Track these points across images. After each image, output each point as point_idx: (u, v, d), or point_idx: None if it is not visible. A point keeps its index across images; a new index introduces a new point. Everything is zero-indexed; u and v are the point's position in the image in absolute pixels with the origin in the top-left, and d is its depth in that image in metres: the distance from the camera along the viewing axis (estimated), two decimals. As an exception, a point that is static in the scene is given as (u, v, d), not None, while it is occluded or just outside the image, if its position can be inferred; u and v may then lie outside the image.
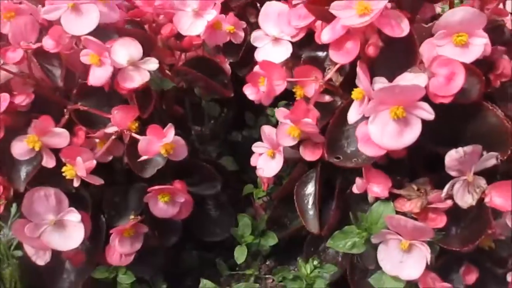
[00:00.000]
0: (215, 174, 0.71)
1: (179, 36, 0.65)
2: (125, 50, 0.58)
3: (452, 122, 0.54)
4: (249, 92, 0.65)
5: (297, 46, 0.65)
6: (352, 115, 0.50)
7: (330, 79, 0.59)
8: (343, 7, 0.49)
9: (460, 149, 0.47)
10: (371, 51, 0.49)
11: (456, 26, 0.51)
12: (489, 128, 0.52)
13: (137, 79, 0.57)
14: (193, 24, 0.64)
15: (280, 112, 0.56)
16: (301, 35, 0.61)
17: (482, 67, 0.58)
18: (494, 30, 0.65)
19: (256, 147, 0.68)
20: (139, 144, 0.55)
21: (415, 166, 0.57)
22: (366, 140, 0.48)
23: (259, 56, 0.66)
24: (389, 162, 0.57)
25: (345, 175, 0.61)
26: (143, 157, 0.57)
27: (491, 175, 0.55)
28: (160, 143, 0.55)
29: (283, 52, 0.65)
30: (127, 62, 0.57)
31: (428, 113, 0.45)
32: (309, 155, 0.61)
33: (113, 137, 0.58)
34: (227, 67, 0.86)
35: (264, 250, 0.78)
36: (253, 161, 0.69)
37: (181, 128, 0.82)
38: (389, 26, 0.48)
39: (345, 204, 0.62)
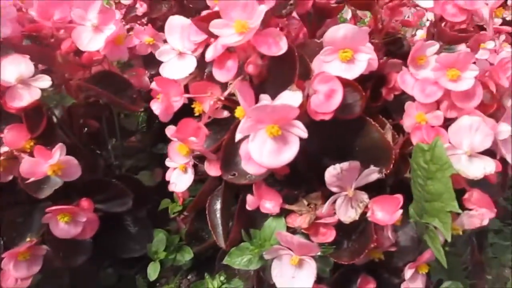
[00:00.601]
0: (125, 191, 0.70)
1: (79, 52, 0.63)
2: (14, 67, 0.56)
3: (342, 136, 0.55)
4: (155, 107, 0.64)
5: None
6: (238, 133, 0.50)
7: (233, 94, 0.59)
8: (222, 25, 0.49)
9: (337, 165, 0.48)
10: (250, 69, 0.49)
11: (340, 43, 0.52)
12: (373, 143, 0.52)
13: (26, 98, 0.55)
14: (92, 39, 0.63)
15: (169, 130, 0.55)
16: (200, 50, 0.61)
17: (375, 81, 0.59)
18: (394, 42, 0.67)
19: (169, 161, 0.67)
20: (21, 166, 0.53)
21: (312, 180, 0.58)
22: (248, 159, 0.48)
23: (164, 71, 0.65)
24: (287, 177, 0.58)
25: (246, 190, 0.61)
26: (31, 179, 0.55)
27: (380, 188, 0.56)
28: (47, 164, 0.54)
29: (188, 66, 0.64)
30: (15, 80, 0.56)
31: (302, 132, 0.45)
32: (213, 170, 0.60)
33: (2, 157, 0.56)
34: (145, 80, 0.85)
35: (184, 264, 0.77)
36: (168, 175, 0.69)
37: (97, 143, 0.81)
38: (266, 45, 0.48)
39: (250, 219, 0.62)
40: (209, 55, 0.51)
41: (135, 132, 0.84)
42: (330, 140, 0.55)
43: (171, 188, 0.69)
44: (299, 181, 0.58)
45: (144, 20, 0.97)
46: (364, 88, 0.56)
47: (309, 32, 0.64)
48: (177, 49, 0.65)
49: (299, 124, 0.45)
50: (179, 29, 0.65)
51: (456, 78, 0.51)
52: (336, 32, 0.51)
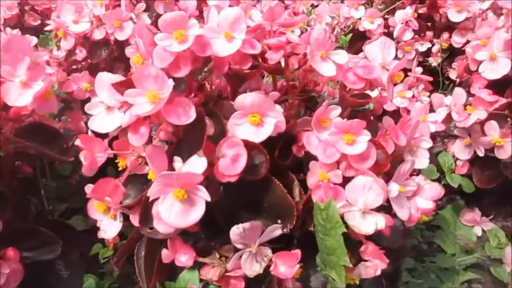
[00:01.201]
0: (54, 238, 0.72)
1: (7, 106, 0.66)
2: None
3: (253, 193, 0.59)
4: (83, 158, 0.67)
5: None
6: (149, 194, 0.54)
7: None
8: (136, 94, 0.53)
9: (240, 225, 0.52)
10: (161, 136, 0.53)
11: (249, 108, 0.57)
12: (278, 201, 0.57)
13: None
14: (21, 95, 0.65)
15: (88, 188, 0.58)
16: (125, 107, 0.64)
17: (285, 140, 0.64)
18: (309, 100, 0.73)
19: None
20: None
21: (227, 232, 0.62)
22: (159, 219, 0.52)
23: (93, 124, 0.68)
24: (204, 229, 0.62)
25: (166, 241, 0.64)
26: None
27: (289, 240, 0.61)
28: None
29: (116, 121, 0.67)
30: None
31: (206, 196, 0.50)
32: (136, 221, 0.64)
33: None
34: (82, 125, 0.87)
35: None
36: (99, 222, 0.71)
37: (29, 189, 0.82)
38: (175, 114, 0.52)
39: (171, 268, 0.65)
40: (125, 121, 0.55)
41: (69, 177, 0.86)
42: (243, 196, 0.59)
43: (100, 235, 0.71)
44: (215, 233, 0.62)
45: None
46: (274, 147, 0.62)
47: (231, 90, 0.68)
48: (106, 104, 0.68)
49: (203, 189, 0.50)
50: (107, 85, 0.69)
51: (351, 142, 0.57)
52: (244, 99, 0.57)
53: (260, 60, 0.63)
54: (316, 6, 1.58)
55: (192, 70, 0.58)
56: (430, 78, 1.06)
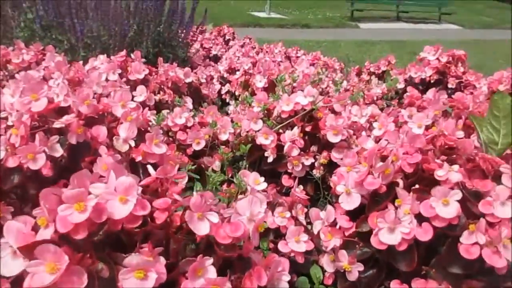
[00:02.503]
0: None
1: None
2: None
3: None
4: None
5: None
6: None
7: None
8: (36, 264, 0.65)
9: None
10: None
11: (135, 266, 0.71)
12: None
13: None
14: None
15: None
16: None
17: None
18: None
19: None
20: None
21: None
22: None
23: (-2, 265, 0.77)
24: None
25: None
26: None
27: None
28: None
29: (19, 266, 0.77)
30: None
31: None
32: None
33: None
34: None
35: None
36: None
37: None
38: (70, 283, 0.64)
39: None
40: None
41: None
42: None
43: None
44: None
45: None
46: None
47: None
48: (13, 248, 0.78)
49: None
50: (15, 232, 0.79)
51: (217, 292, 0.73)
52: (132, 259, 0.70)
53: (149, 219, 0.78)
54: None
55: (90, 233, 0.71)
56: (306, 197, 1.27)
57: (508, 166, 1.01)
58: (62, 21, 2.40)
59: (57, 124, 1.07)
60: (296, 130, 1.46)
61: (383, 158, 1.14)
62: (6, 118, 1.38)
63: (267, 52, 3.86)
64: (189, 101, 2.11)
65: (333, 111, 1.57)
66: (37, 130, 1.07)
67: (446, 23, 13.62)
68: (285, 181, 1.50)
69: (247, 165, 1.52)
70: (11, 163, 1.02)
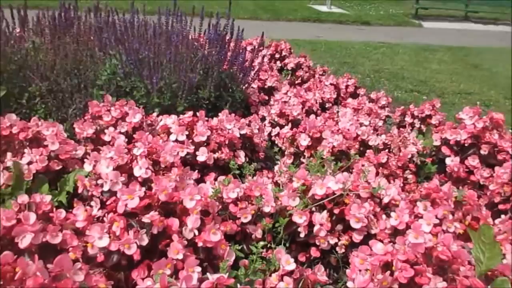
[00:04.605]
0: None
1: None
2: None
3: None
4: None
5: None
6: None
7: None
8: None
9: None
10: None
11: None
12: None
13: None
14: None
15: None
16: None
17: None
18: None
19: None
20: None
21: None
22: None
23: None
24: None
25: None
26: None
27: None
28: None
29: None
30: None
31: None
32: None
33: None
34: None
35: None
36: None
37: None
38: None
39: None
40: None
41: None
42: None
43: None
44: None
45: None
46: None
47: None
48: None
49: None
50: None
51: None
52: None
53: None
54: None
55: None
56: (325, 279, 1.61)
57: None
58: (141, 70, 2.84)
59: (145, 219, 1.49)
60: (325, 214, 1.79)
61: (386, 263, 1.45)
62: (101, 186, 1.85)
63: (319, 82, 4.12)
64: (242, 155, 2.49)
65: (359, 196, 1.88)
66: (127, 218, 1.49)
67: (519, 25, 12.91)
68: (313, 252, 1.84)
69: (283, 235, 1.88)
70: (113, 247, 1.45)
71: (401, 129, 3.15)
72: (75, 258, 1.46)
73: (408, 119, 3.46)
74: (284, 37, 8.50)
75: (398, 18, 13.13)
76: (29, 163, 2.03)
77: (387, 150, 2.73)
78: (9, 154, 2.09)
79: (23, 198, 1.72)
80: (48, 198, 1.75)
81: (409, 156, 2.67)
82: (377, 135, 2.93)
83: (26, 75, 2.94)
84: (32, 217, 1.56)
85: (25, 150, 2.07)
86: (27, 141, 2.15)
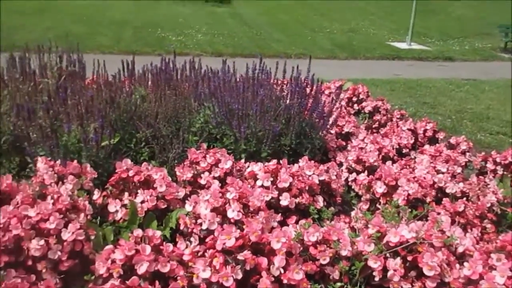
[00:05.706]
0: None
1: None
2: None
3: None
4: None
5: None
6: None
7: None
8: None
9: None
10: None
11: None
12: None
13: None
14: None
15: None
16: None
17: None
18: None
19: None
20: None
21: None
22: None
23: None
24: None
25: None
26: None
27: None
28: None
29: None
30: None
31: None
32: None
33: None
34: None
35: None
36: None
37: None
38: None
39: None
40: None
41: None
42: None
43: None
44: None
45: None
46: None
47: None
48: None
49: None
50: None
51: None
52: None
53: None
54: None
55: None
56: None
57: None
58: (231, 120, 3.22)
59: (239, 257, 1.77)
60: (398, 261, 1.94)
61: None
62: (200, 224, 2.18)
63: (397, 127, 4.23)
64: (320, 200, 2.71)
65: (432, 245, 2.00)
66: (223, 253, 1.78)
67: None
68: (388, 296, 1.98)
69: (359, 278, 2.04)
70: (214, 279, 1.74)
71: (481, 176, 3.15)
72: (182, 286, 1.77)
73: (489, 166, 3.44)
74: (362, 76, 8.64)
75: (485, 52, 12.63)
76: (142, 201, 2.43)
77: (465, 198, 2.77)
78: (126, 194, 2.52)
79: (138, 232, 2.09)
80: (158, 233, 2.11)
81: (488, 205, 2.69)
82: (455, 182, 2.98)
83: (135, 123, 3.46)
84: (148, 249, 1.92)
85: (138, 191, 2.49)
86: (139, 182, 2.57)
